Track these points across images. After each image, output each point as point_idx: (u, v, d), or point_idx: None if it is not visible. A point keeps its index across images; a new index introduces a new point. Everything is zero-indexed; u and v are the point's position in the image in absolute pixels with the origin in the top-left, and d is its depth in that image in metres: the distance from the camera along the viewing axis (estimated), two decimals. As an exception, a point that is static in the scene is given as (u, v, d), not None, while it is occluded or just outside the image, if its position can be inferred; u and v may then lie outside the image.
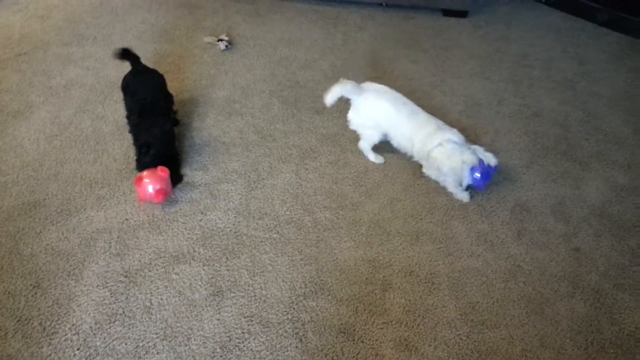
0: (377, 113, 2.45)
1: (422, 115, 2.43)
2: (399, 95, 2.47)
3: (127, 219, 2.21)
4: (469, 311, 1.95)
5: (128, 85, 2.51)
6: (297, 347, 1.82)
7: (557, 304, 1.99)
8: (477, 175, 2.28)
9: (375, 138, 2.52)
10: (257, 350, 1.81)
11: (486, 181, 2.33)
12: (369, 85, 2.51)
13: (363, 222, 2.27)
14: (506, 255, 2.15)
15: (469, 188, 2.38)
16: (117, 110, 2.76)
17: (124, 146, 2.55)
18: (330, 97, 2.45)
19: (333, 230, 2.22)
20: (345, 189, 2.42)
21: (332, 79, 2.85)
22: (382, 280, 2.04)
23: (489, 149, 2.43)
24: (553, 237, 2.23)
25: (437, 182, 2.43)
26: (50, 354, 1.76)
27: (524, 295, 2.02)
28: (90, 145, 2.55)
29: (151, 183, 2.19)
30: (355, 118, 2.53)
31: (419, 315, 1.94)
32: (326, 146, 2.63)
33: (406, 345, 1.85)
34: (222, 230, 2.20)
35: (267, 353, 1.80)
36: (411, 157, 2.49)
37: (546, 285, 2.05)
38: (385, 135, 2.51)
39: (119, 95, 2.65)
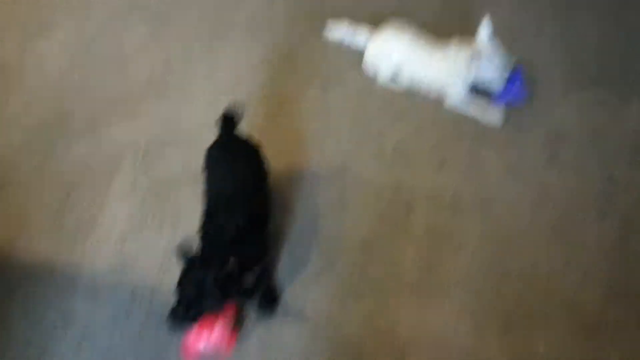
0: (394, 50, 2.40)
1: (436, 45, 2.39)
2: (413, 31, 2.41)
3: (153, 134, 2.22)
4: (493, 236, 1.94)
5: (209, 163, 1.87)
6: (317, 258, 1.85)
7: (585, 230, 1.95)
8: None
9: (388, 72, 2.45)
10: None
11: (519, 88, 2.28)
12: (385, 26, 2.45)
13: (387, 149, 2.23)
14: (535, 183, 2.10)
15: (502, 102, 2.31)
16: (140, 25, 2.70)
17: (148, 62, 2.51)
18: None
19: (358, 157, 2.19)
20: (371, 115, 2.37)
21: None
22: (406, 203, 2.03)
23: (525, 76, 2.34)
24: (586, 165, 2.16)
25: (464, 110, 2.36)
26: (83, 255, 1.84)
27: (551, 220, 1.98)
28: (114, 61, 2.53)
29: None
30: (371, 57, 2.47)
31: (441, 238, 1.93)
32: (353, 72, 2.55)
33: (428, 265, 1.85)
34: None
35: (287, 261, 1.84)
36: (431, 91, 2.42)
37: (575, 212, 2.00)
38: (401, 70, 2.43)
39: (140, 13, 2.59)
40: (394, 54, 2.40)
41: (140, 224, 1.93)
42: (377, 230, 1.94)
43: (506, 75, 2.26)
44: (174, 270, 1.77)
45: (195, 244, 1.55)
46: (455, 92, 2.35)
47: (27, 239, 1.88)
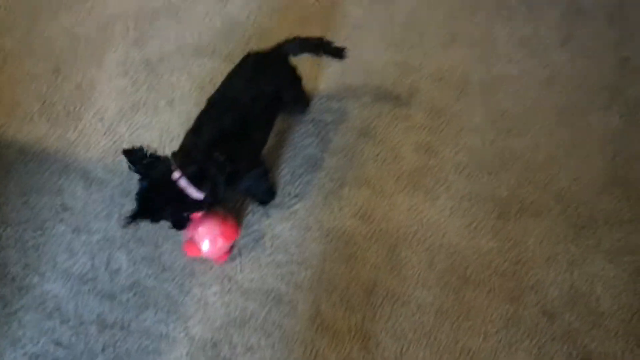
0: None
1: None
2: None
3: (143, 5, 2.07)
4: (497, 118, 1.89)
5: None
6: (317, 145, 1.83)
7: (591, 115, 1.90)
8: None
9: None
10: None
11: None
12: None
13: (397, 21, 2.09)
14: (546, 62, 2.00)
15: None
16: None
17: None
18: None
19: (363, 29, 2.06)
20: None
21: None
22: (410, 85, 1.95)
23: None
24: (602, 44, 2.04)
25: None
26: (77, 138, 1.82)
27: (557, 104, 1.92)
28: None
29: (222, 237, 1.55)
30: None
31: (444, 121, 1.89)
32: None
33: (427, 148, 1.83)
34: (243, 24, 2.06)
35: (290, 149, 1.82)
36: None
37: (583, 96, 1.93)
38: None
39: None
40: None
41: (133, 104, 1.88)
42: (378, 113, 1.89)
43: None
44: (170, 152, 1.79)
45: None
46: None
47: (18, 122, 1.83)
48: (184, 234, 1.56)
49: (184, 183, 1.36)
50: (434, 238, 1.69)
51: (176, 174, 1.36)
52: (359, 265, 1.63)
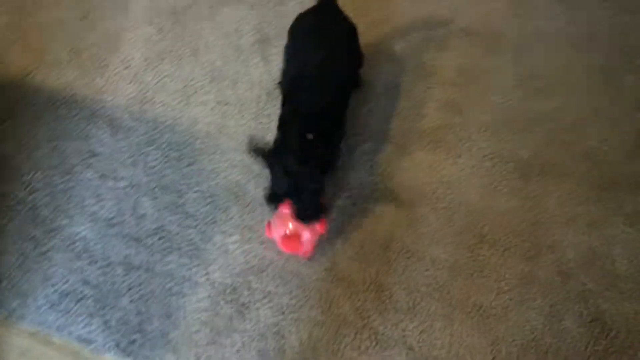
0: None
1: None
2: None
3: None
4: (527, 77, 1.84)
5: (297, 33, 1.62)
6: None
7: (626, 77, 1.82)
8: None
9: None
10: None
11: None
12: None
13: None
14: (585, 19, 1.92)
15: None
16: None
17: None
18: None
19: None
20: None
21: None
22: (439, 39, 1.90)
23: None
24: (646, 2, 1.94)
25: None
26: (104, 85, 1.85)
27: (591, 64, 1.85)
28: None
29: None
30: None
31: (471, 78, 1.85)
32: None
33: (451, 106, 1.81)
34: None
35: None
36: None
37: (620, 56, 1.86)
38: None
39: None
40: None
41: (159, 52, 1.89)
42: (404, 67, 1.85)
43: None
44: (195, 103, 1.81)
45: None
46: None
47: (47, 68, 1.86)
48: (275, 228, 1.52)
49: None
50: (453, 196, 1.68)
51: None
52: (377, 221, 1.65)
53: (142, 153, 1.75)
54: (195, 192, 1.69)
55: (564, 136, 1.75)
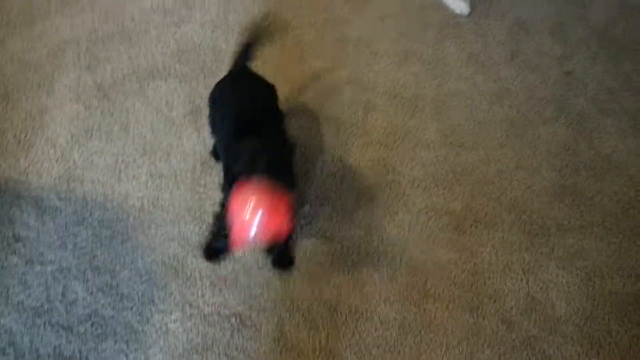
0: None
1: None
2: None
3: (94, 29, 2.05)
4: (450, 133, 1.94)
5: (221, 97, 1.64)
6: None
7: (539, 128, 1.97)
8: None
9: None
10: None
11: None
12: None
13: (350, 40, 2.13)
14: (495, 78, 2.08)
15: None
16: None
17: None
18: None
19: (316, 49, 2.10)
20: (333, 2, 2.22)
21: None
22: (366, 102, 1.99)
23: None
24: (547, 59, 2.13)
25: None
26: (28, 166, 1.77)
27: (507, 118, 1.99)
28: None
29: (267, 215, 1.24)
30: None
31: (399, 137, 1.93)
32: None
33: (384, 165, 1.87)
34: (198, 45, 2.06)
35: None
36: None
37: (531, 109, 2.01)
38: None
39: None
40: None
41: (86, 130, 1.85)
42: (335, 131, 1.91)
43: None
44: (127, 178, 1.77)
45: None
46: None
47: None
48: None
49: None
50: (394, 253, 1.71)
51: None
52: (322, 284, 1.63)
53: (71, 234, 1.66)
54: (130, 270, 1.61)
55: (490, 187, 1.84)
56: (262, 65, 1.98)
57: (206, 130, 1.86)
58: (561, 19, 2.23)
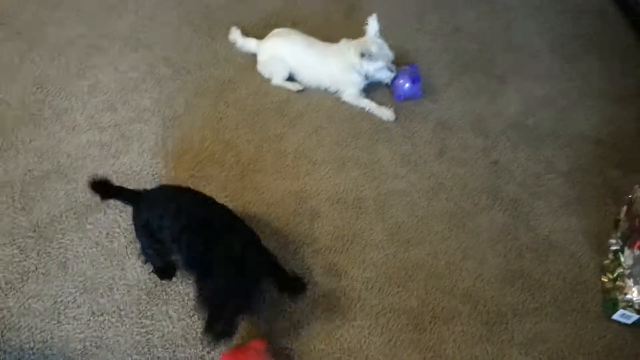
0: (283, 53, 2.41)
1: (325, 44, 2.45)
2: (300, 35, 2.45)
3: (29, 170, 2.03)
4: (395, 231, 1.98)
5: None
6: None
7: (478, 217, 2.05)
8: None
9: (285, 72, 2.45)
10: (185, 293, 1.76)
11: (418, 87, 2.40)
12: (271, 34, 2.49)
13: (288, 153, 2.21)
14: (429, 174, 2.18)
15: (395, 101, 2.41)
16: (5, 48, 2.47)
17: (18, 89, 2.30)
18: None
19: (257, 164, 2.15)
20: (268, 120, 2.33)
21: (244, 3, 2.70)
22: (310, 210, 2.02)
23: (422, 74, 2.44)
24: (473, 152, 2.28)
25: (361, 108, 2.40)
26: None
27: (446, 211, 2.07)
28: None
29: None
30: (263, 63, 2.47)
31: (347, 240, 1.95)
32: (245, 76, 2.50)
33: (336, 270, 1.86)
34: (138, 174, 2.07)
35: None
36: (326, 89, 2.45)
37: (467, 200, 2.11)
38: (293, 73, 2.47)
39: (6, 31, 2.35)
40: (287, 57, 2.39)
41: (22, 273, 1.75)
42: (284, 242, 1.91)
43: (393, 70, 2.37)
44: (66, 320, 1.66)
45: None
46: (349, 89, 2.40)
47: None
48: None
49: None
50: (356, 367, 1.65)
51: None
52: (285, 408, 1.54)
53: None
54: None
55: (442, 280, 1.86)
56: (205, 186, 2.03)
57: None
58: (478, 115, 2.42)
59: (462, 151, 2.27)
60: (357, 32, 2.36)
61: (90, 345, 1.62)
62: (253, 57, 2.56)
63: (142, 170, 2.08)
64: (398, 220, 2.02)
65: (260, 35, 2.53)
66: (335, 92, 2.44)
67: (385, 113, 2.37)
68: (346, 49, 2.34)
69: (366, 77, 2.37)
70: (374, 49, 2.27)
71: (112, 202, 1.96)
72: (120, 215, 1.93)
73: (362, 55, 2.27)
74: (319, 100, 2.43)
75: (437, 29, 2.86)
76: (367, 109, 2.40)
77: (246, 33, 2.57)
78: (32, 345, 1.61)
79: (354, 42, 2.35)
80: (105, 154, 2.12)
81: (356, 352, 1.67)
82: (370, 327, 1.73)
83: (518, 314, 1.79)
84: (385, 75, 2.37)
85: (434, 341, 1.70)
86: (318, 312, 1.75)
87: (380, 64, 2.32)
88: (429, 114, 2.41)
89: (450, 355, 1.67)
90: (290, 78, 2.47)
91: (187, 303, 1.73)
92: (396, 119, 2.36)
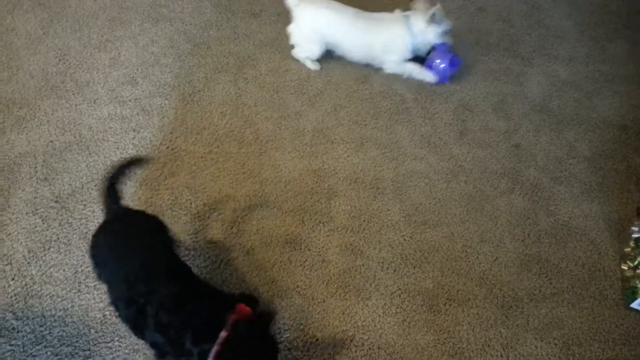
0: (321, 24, 2.33)
1: (372, 14, 2.36)
2: (339, 4, 2.36)
3: (52, 141, 2.05)
4: (412, 213, 1.98)
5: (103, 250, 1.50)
6: (244, 259, 1.81)
7: (497, 200, 2.04)
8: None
9: (317, 52, 2.40)
10: (204, 266, 1.79)
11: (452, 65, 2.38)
12: None
13: (306, 131, 2.20)
14: (448, 156, 2.16)
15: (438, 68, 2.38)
16: (28, 20, 2.48)
17: (41, 61, 2.32)
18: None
19: (275, 142, 2.15)
20: (287, 97, 2.32)
21: (267, -22, 2.67)
22: (328, 189, 2.02)
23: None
24: (494, 135, 2.25)
25: (404, 73, 2.41)
26: (-18, 286, 1.69)
27: (465, 193, 2.05)
28: (2, 61, 2.30)
29: None
30: (297, 31, 2.39)
31: (364, 220, 1.95)
32: (265, 53, 2.48)
33: (352, 249, 1.86)
34: (157, 148, 2.09)
35: (215, 267, 1.78)
36: (367, 64, 2.43)
37: (487, 183, 2.08)
38: (332, 46, 2.41)
39: (28, 3, 2.37)
40: (331, 28, 2.35)
41: (44, 242, 1.79)
42: (300, 220, 1.92)
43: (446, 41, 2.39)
44: (87, 289, 1.69)
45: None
46: (395, 57, 2.39)
47: None
48: None
49: None
50: (372, 340, 1.66)
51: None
52: (299, 381, 1.56)
53: (30, 354, 1.56)
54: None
55: (458, 263, 1.85)
56: (224, 162, 2.03)
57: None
58: (501, 97, 2.38)
59: (483, 133, 2.25)
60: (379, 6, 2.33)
61: (110, 314, 1.65)
62: (273, 33, 2.54)
63: (161, 144, 2.09)
64: (416, 201, 2.01)
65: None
66: (379, 65, 2.43)
67: (428, 75, 2.39)
68: (405, 18, 2.32)
69: (419, 45, 2.36)
70: (437, 16, 2.27)
71: (132, 174, 1.98)
72: (140, 188, 1.95)
73: (430, 19, 2.26)
74: (339, 79, 2.41)
75: (461, 7, 2.80)
76: (410, 74, 2.41)
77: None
78: (53, 312, 1.65)
79: (410, 12, 2.35)
80: (125, 127, 2.13)
81: (370, 330, 1.68)
82: (385, 306, 1.74)
83: (534, 299, 1.78)
84: (447, 40, 2.38)
85: (449, 323, 1.71)
86: (333, 289, 1.76)
87: (445, 26, 2.32)
88: (450, 95, 2.38)
89: (465, 337, 1.68)
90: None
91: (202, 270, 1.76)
92: (417, 99, 2.34)
